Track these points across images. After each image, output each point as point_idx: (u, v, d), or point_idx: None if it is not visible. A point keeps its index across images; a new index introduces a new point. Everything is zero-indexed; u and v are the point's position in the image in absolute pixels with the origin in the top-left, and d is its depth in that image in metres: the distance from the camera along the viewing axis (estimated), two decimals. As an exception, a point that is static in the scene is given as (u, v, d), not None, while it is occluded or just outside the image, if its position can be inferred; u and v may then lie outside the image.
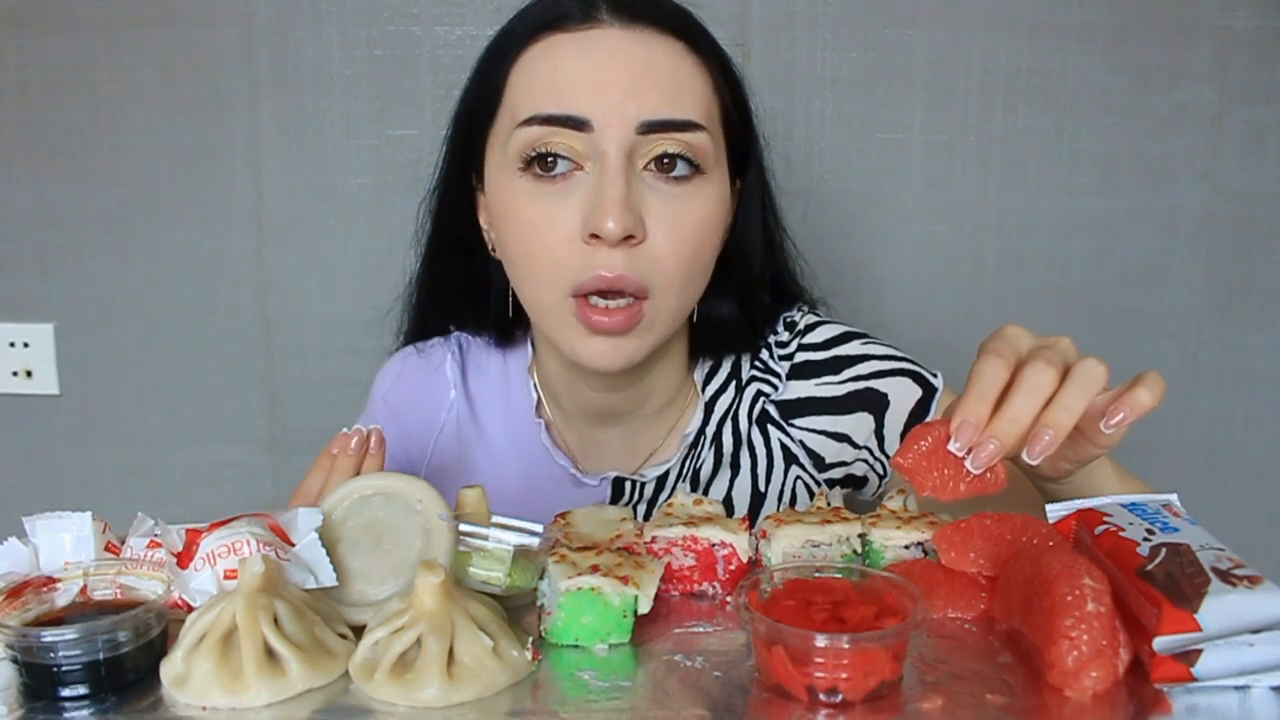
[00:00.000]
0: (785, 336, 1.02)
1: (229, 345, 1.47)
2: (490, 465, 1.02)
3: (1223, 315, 1.42)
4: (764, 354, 1.02)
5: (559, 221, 0.84)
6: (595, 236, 0.82)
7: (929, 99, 1.36)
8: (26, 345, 1.48)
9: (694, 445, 1.00)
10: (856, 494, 1.04)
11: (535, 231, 0.85)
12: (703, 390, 1.01)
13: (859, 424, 0.98)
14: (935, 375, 0.99)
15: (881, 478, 1.00)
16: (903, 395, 0.97)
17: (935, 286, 1.41)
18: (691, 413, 1.01)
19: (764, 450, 0.99)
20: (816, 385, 0.99)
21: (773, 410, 1.00)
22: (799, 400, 0.99)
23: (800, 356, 1.00)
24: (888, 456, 0.98)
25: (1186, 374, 1.43)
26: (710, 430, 1.00)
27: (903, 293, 1.42)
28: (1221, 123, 1.36)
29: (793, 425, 0.99)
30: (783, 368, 1.01)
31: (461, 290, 1.01)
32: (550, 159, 0.84)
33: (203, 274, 1.45)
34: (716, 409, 1.01)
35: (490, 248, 0.95)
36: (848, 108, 1.37)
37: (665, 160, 0.84)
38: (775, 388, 1.00)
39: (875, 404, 0.97)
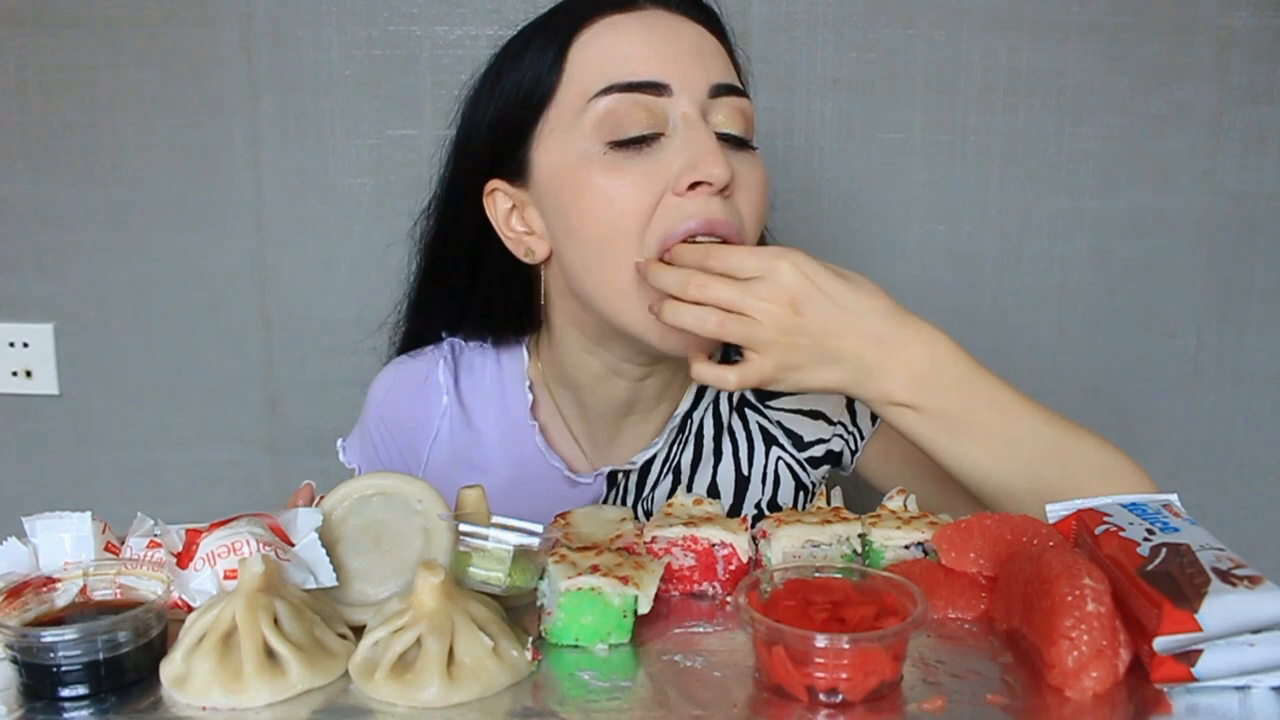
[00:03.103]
0: None
1: (229, 345, 1.47)
2: (486, 469, 1.02)
3: (1223, 315, 1.42)
4: None
5: (648, 185, 0.84)
6: (695, 186, 0.83)
7: (929, 99, 1.36)
8: (26, 345, 1.48)
9: (681, 429, 1.01)
10: (838, 471, 1.05)
11: (622, 199, 0.85)
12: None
13: (830, 399, 1.01)
14: None
15: (854, 452, 1.03)
16: None
17: (935, 286, 1.41)
18: (680, 394, 1.02)
19: (744, 434, 1.01)
20: None
21: (749, 394, 1.02)
22: None
23: None
24: (860, 430, 1.02)
25: (1186, 374, 1.43)
26: (697, 414, 1.01)
27: (903, 293, 1.39)
28: (1221, 123, 1.36)
29: (769, 407, 1.02)
30: None
31: (464, 297, 1.01)
32: (632, 123, 0.84)
33: (203, 274, 1.45)
34: (707, 393, 1.02)
35: (523, 252, 0.93)
36: (848, 108, 1.37)
37: (730, 124, 0.87)
38: None
39: None
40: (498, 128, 0.92)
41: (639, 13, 0.88)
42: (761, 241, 0.95)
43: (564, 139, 0.87)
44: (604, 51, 0.87)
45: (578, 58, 0.87)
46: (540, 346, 1.03)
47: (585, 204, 0.86)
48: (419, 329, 1.06)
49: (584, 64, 0.87)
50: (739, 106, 0.88)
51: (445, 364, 1.04)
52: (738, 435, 1.01)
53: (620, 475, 1.01)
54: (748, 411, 1.02)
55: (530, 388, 1.02)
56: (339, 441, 1.08)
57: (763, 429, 1.01)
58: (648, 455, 1.00)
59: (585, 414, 1.01)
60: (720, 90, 0.87)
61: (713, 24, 0.92)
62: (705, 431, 1.01)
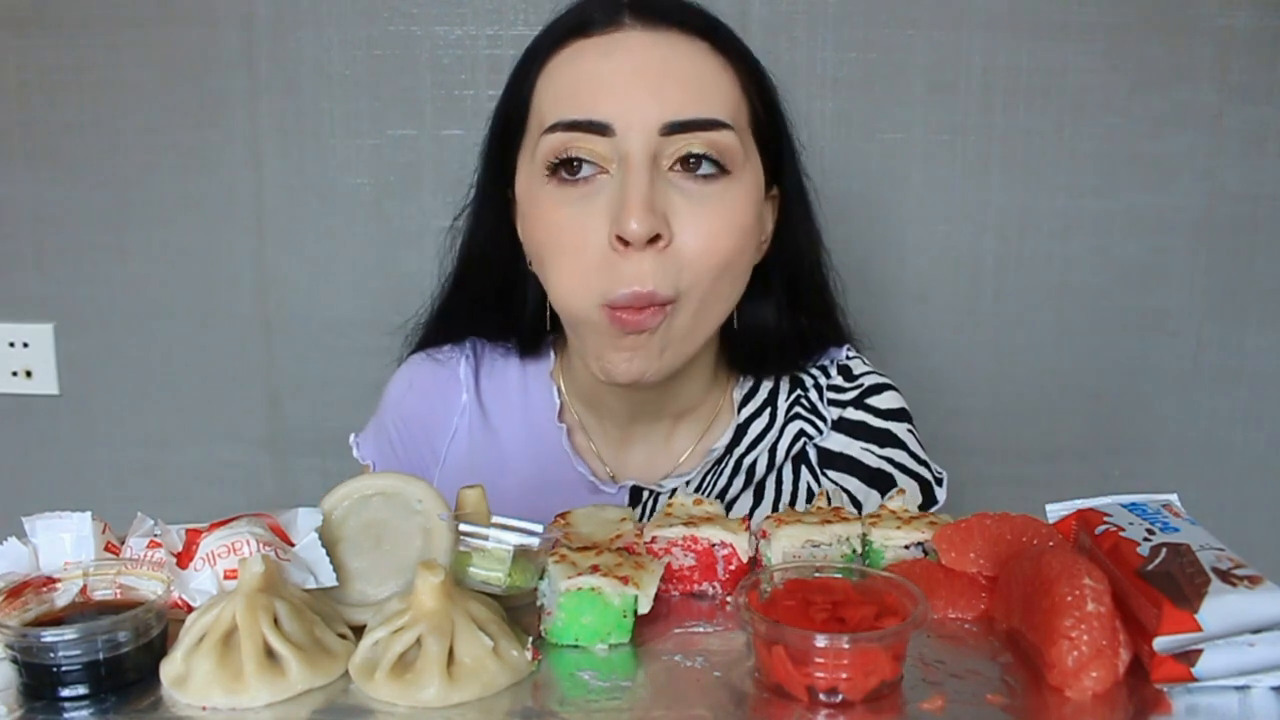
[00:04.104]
0: (839, 381, 1.01)
1: (229, 345, 1.47)
2: (504, 470, 1.00)
3: (1223, 315, 1.42)
4: (812, 394, 1.01)
5: (587, 226, 0.83)
6: (621, 240, 0.81)
7: (929, 99, 1.36)
8: (26, 345, 1.48)
9: (718, 463, 0.99)
10: None
11: (564, 236, 0.84)
12: (738, 411, 1.00)
13: (871, 499, 0.98)
14: (940, 484, 1.00)
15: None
16: (910, 497, 0.97)
17: (935, 286, 1.41)
18: (722, 430, 1.00)
19: (790, 488, 0.99)
20: (861, 448, 0.99)
21: (813, 454, 0.99)
22: (839, 455, 0.99)
23: (856, 415, 1.00)
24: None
25: (1186, 374, 1.43)
26: (738, 451, 0.99)
27: (902, 293, 1.42)
28: (1221, 123, 1.36)
29: (826, 475, 0.99)
30: (831, 414, 1.00)
31: (495, 303, 1.00)
32: (575, 163, 0.84)
33: (203, 274, 1.45)
34: (749, 432, 0.99)
35: (528, 260, 0.94)
36: (848, 108, 1.37)
37: (691, 160, 0.83)
38: (820, 432, 0.99)
39: (889, 490, 0.97)
40: (497, 141, 0.94)
41: (606, 36, 0.85)
42: (762, 268, 0.93)
43: (528, 168, 0.88)
44: (560, 84, 0.86)
45: (541, 88, 0.87)
46: (560, 350, 1.03)
47: (539, 234, 0.87)
48: (444, 327, 1.05)
49: (543, 95, 0.87)
50: (705, 140, 0.83)
51: (467, 362, 1.04)
52: (784, 485, 0.99)
53: (646, 494, 0.99)
54: (803, 469, 0.99)
55: (559, 391, 1.01)
56: (351, 437, 1.07)
57: (810, 492, 0.99)
58: (678, 483, 0.99)
59: (599, 419, 1.00)
60: (674, 128, 0.82)
61: (713, 36, 0.87)
62: (756, 468, 0.98)
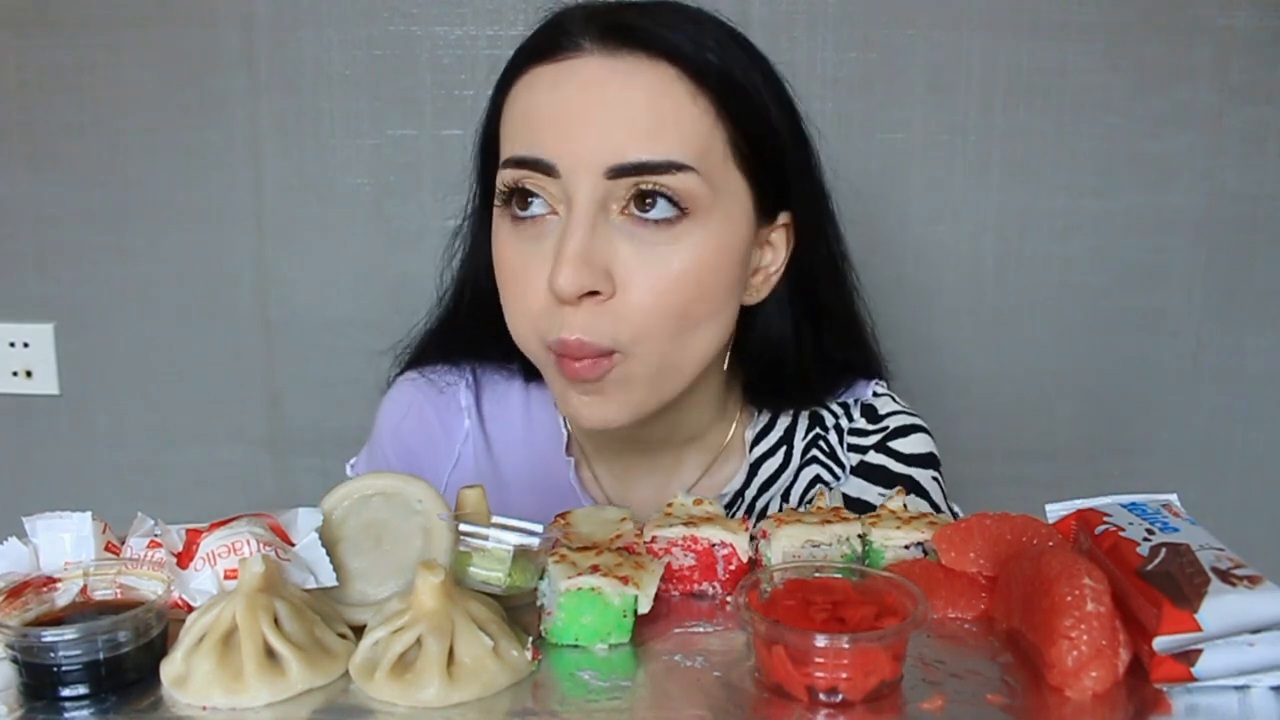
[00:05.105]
0: (862, 424, 0.96)
1: (229, 345, 1.47)
2: (506, 501, 0.94)
3: (1223, 315, 1.42)
4: (832, 436, 0.96)
5: (534, 267, 0.79)
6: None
7: (929, 99, 1.36)
8: (26, 345, 1.48)
9: (729, 506, 0.95)
10: None
11: (513, 275, 0.81)
12: (750, 450, 0.96)
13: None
14: None
15: None
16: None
17: (935, 286, 1.41)
18: (733, 470, 0.96)
19: None
20: (879, 494, 0.93)
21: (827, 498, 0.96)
22: (855, 500, 0.94)
23: (878, 459, 0.95)
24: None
25: (1186, 374, 1.43)
26: (749, 494, 0.95)
27: (902, 293, 1.42)
28: (1221, 123, 1.36)
29: None
30: (850, 459, 0.96)
31: (495, 326, 0.93)
32: (526, 197, 0.80)
33: (203, 274, 1.45)
34: (760, 473, 0.95)
35: None
36: (848, 108, 1.37)
37: (645, 203, 0.77)
38: (837, 478, 0.95)
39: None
40: (479, 161, 0.91)
41: (562, 63, 0.78)
42: (776, 294, 0.89)
43: (497, 196, 0.85)
44: (515, 116, 0.81)
45: (505, 115, 0.83)
46: None
47: (496, 261, 0.84)
48: (440, 349, 1.00)
49: (505, 124, 0.83)
50: (659, 183, 0.76)
51: (467, 387, 0.99)
52: None
53: None
54: None
55: (566, 422, 0.96)
56: (348, 468, 1.04)
57: None
58: None
59: (599, 449, 0.96)
60: (621, 172, 0.76)
61: (682, 60, 0.78)
62: (769, 511, 0.95)
